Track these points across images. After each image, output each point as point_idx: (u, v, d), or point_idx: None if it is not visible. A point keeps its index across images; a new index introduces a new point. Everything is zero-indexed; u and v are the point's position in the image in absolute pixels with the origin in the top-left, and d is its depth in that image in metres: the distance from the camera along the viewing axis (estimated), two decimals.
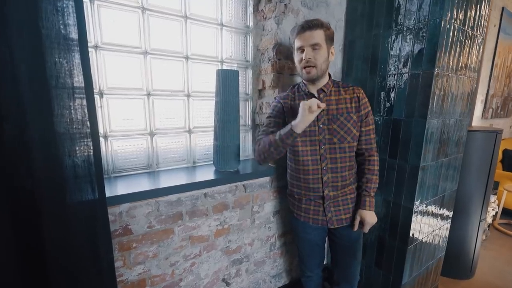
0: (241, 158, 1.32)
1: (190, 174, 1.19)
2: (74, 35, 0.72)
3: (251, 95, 1.43)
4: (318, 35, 0.95)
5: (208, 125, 1.33)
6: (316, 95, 1.03)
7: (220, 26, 1.26)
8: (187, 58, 1.20)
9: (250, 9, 1.32)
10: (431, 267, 1.52)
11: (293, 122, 0.91)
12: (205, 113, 1.31)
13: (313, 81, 1.02)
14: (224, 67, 1.31)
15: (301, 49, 0.98)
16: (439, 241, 1.50)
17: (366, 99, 1.05)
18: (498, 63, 2.91)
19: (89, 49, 0.97)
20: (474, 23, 1.21)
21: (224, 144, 1.18)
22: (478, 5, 1.20)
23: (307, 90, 1.05)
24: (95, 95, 1.01)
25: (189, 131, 1.27)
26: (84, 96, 0.76)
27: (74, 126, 0.76)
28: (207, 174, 1.20)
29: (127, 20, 1.05)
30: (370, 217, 1.06)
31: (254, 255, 1.40)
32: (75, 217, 0.79)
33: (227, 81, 1.13)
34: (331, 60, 1.03)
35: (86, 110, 0.77)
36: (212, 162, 1.34)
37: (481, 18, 1.25)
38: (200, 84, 1.27)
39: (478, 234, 1.82)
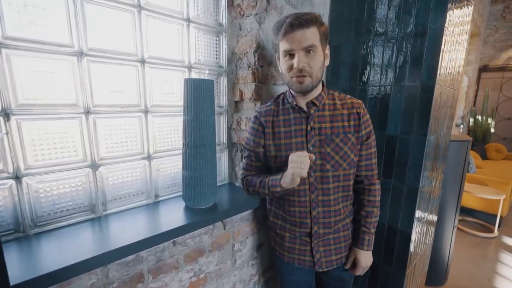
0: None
1: (152, 217, 0.90)
2: None
3: (226, 108, 1.18)
4: (313, 35, 0.73)
5: (174, 148, 1.04)
6: (305, 109, 0.83)
7: (187, 22, 0.99)
8: (142, 62, 0.90)
9: (223, 2, 1.07)
10: (420, 283, 1.46)
11: (282, 180, 0.77)
12: (169, 133, 1.03)
13: (305, 92, 0.81)
14: (193, 75, 1.04)
15: (290, 54, 0.75)
16: (427, 256, 1.46)
17: (368, 116, 0.87)
18: None
19: None
20: (461, 31, 1.15)
21: (196, 174, 0.91)
22: (464, 12, 1.15)
23: (294, 103, 0.84)
24: None
25: (149, 158, 0.98)
26: None
27: None
28: (176, 214, 0.92)
29: (49, 7, 0.72)
30: (366, 259, 0.91)
31: None
32: None
33: (199, 94, 0.87)
34: (327, 65, 0.83)
35: None
36: (180, 195, 1.06)
37: (466, 26, 1.20)
38: (161, 96, 0.98)
39: (452, 239, 1.86)
